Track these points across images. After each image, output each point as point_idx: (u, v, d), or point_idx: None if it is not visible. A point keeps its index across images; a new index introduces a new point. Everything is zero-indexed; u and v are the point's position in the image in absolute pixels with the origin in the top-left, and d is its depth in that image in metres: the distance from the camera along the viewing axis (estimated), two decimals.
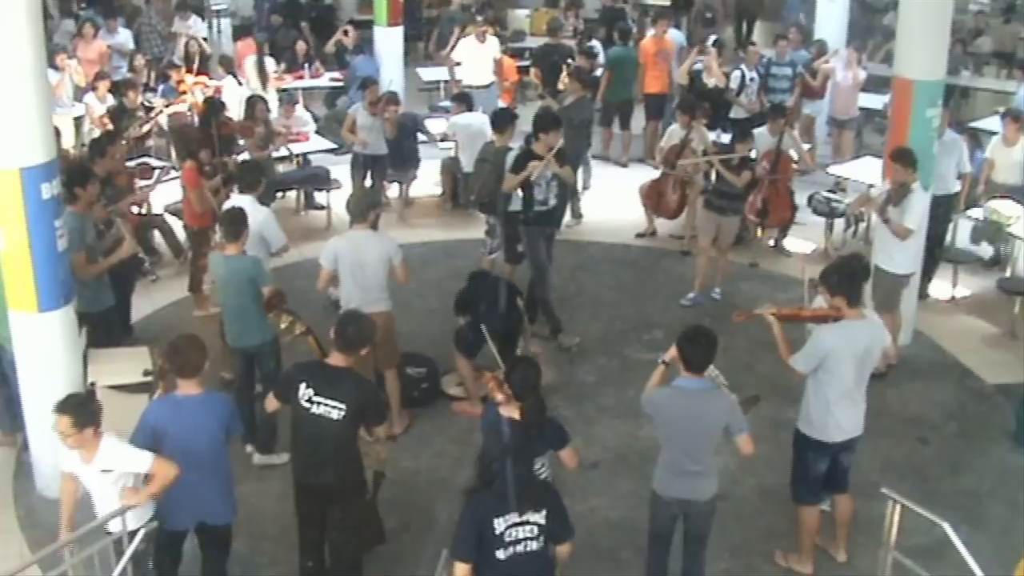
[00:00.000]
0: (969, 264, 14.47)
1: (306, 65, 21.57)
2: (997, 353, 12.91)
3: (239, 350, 10.42)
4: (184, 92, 17.75)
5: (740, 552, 9.36)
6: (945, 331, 13.33)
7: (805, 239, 15.85)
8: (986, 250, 14.79)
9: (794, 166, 15.13)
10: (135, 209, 13.62)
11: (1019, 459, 10.63)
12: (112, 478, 7.60)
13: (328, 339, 8.23)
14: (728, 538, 9.32)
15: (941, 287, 14.13)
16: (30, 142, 8.84)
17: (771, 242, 15.82)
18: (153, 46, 21.74)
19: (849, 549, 9.26)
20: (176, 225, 14.48)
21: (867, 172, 15.51)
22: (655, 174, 15.65)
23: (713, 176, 14.18)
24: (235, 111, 16.17)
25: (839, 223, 15.74)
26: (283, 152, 16.20)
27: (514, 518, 6.63)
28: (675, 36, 20.59)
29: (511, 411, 7.70)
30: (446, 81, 21.25)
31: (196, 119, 15.81)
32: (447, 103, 19.67)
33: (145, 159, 15.90)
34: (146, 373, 9.57)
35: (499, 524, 6.60)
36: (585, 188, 17.16)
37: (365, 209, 10.64)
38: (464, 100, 16.51)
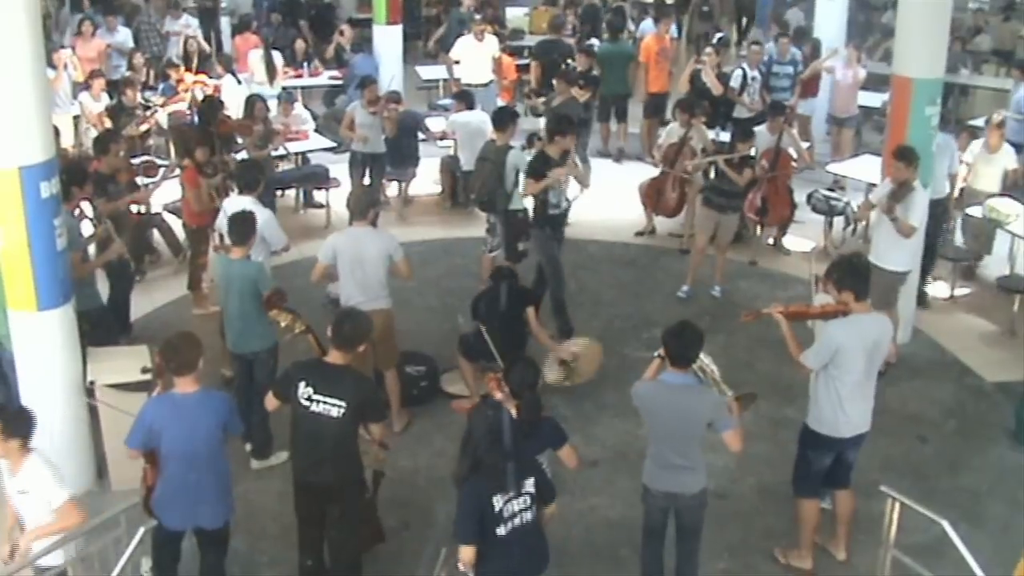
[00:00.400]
0: (962, 262, 14.50)
1: (305, 64, 21.60)
2: (996, 351, 12.91)
3: (238, 355, 10.40)
4: (184, 90, 17.75)
5: (739, 551, 9.36)
6: (944, 329, 13.33)
7: (804, 237, 15.86)
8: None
9: (793, 164, 15.14)
10: (134, 208, 13.61)
11: (1018, 457, 10.63)
12: (29, 499, 7.60)
13: (327, 337, 8.23)
14: (727, 537, 9.33)
15: (940, 285, 14.15)
16: (29, 141, 8.84)
17: (770, 240, 15.83)
18: (152, 45, 21.74)
19: (849, 547, 9.26)
20: (175, 224, 14.47)
21: (866, 170, 15.52)
22: (654, 173, 15.66)
23: (712, 174, 14.19)
24: (234, 110, 16.15)
25: (838, 221, 15.75)
26: (281, 151, 16.19)
27: (509, 492, 6.87)
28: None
29: (509, 409, 7.73)
30: (445, 80, 21.27)
31: (195, 118, 15.79)
32: (446, 101, 19.73)
33: (147, 157, 15.90)
34: (144, 371, 9.59)
35: (497, 502, 6.87)
36: (584, 187, 17.18)
37: (365, 207, 10.64)
38: (465, 98, 16.52)
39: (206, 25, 23.82)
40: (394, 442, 9.54)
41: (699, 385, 8.01)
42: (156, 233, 14.71)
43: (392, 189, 17.01)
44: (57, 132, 12.30)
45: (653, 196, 15.42)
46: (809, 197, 15.81)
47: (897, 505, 8.22)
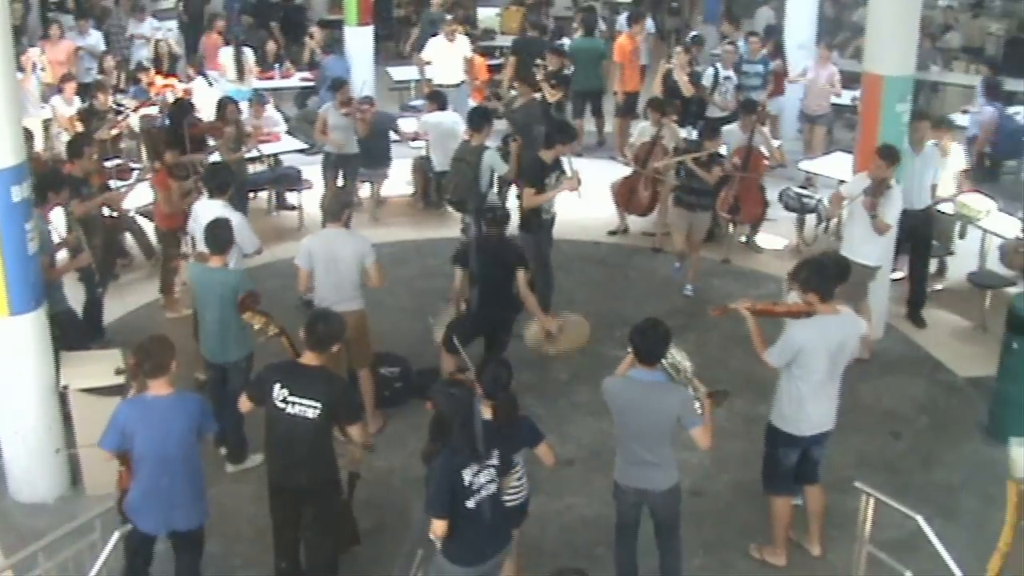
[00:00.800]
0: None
1: (276, 65, 21.55)
2: (968, 346, 12.98)
3: (215, 364, 10.33)
4: (155, 94, 17.70)
5: (715, 548, 9.38)
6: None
7: (777, 235, 15.90)
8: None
9: (765, 163, 15.17)
10: (105, 211, 13.55)
11: (991, 452, 10.64)
12: None
13: (301, 339, 8.22)
14: (702, 534, 9.35)
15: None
16: (0, 144, 8.80)
17: (743, 238, 15.86)
18: (123, 48, 21.67)
19: (824, 543, 9.30)
20: (148, 227, 14.41)
21: (837, 168, 15.56)
22: (626, 172, 15.67)
23: (683, 173, 14.22)
24: (206, 112, 16.10)
25: (810, 219, 15.79)
26: (255, 153, 16.16)
27: (477, 466, 7.09)
28: (646, 26, 20.82)
29: (484, 411, 7.73)
30: (417, 80, 21.25)
31: (166, 120, 15.75)
32: (418, 102, 19.71)
33: (120, 161, 15.84)
34: (118, 372, 9.56)
35: (467, 475, 7.11)
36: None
37: (338, 209, 10.63)
38: (437, 99, 16.50)
39: (195, 29, 23.77)
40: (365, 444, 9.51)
41: (668, 382, 8.04)
42: (128, 236, 14.65)
43: (364, 190, 16.98)
44: (29, 136, 12.25)
45: (625, 195, 15.44)
46: (781, 195, 15.85)
47: (872, 501, 8.26)
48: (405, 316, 13.09)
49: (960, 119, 17.69)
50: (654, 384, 7.89)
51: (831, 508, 9.25)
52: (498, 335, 11.11)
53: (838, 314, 8.65)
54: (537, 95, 16.60)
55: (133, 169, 14.96)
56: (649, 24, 21.73)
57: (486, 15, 26.64)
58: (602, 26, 24.28)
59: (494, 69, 21.22)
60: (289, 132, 17.87)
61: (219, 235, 9.95)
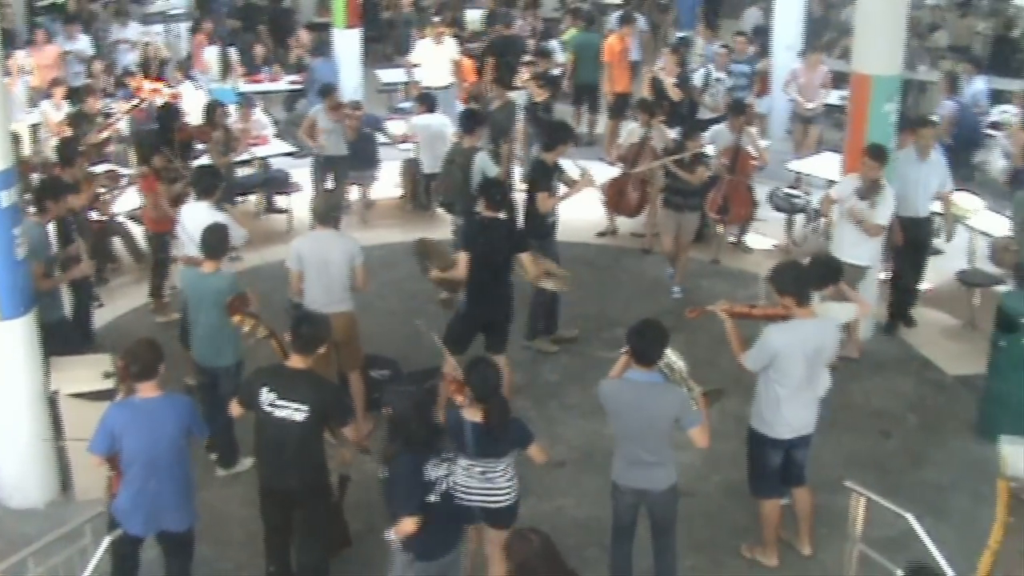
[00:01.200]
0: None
1: (264, 68, 21.52)
2: (957, 344, 13.00)
3: (206, 369, 10.30)
4: (143, 99, 17.67)
5: (706, 548, 9.39)
6: None
7: (766, 235, 15.91)
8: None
9: (753, 163, 15.18)
10: (94, 215, 13.53)
11: (981, 450, 10.65)
12: None
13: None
14: (694, 534, 9.35)
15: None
16: None
17: (732, 239, 15.87)
18: (109, 52, 21.61)
19: (814, 542, 9.31)
20: (137, 231, 14.39)
21: (826, 167, 15.57)
22: (615, 172, 15.68)
23: (669, 174, 14.20)
24: (194, 116, 16.07)
25: (800, 218, 15.80)
26: (246, 156, 16.16)
27: (435, 460, 7.26)
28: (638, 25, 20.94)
29: (473, 414, 7.74)
30: (405, 83, 21.23)
31: (155, 124, 15.72)
32: (407, 104, 19.70)
33: (110, 167, 15.79)
34: (106, 375, 9.54)
35: (429, 471, 7.26)
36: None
37: (329, 211, 10.64)
38: (426, 101, 16.48)
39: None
40: (361, 446, 9.51)
41: (665, 382, 8.04)
42: (117, 241, 14.62)
43: (353, 192, 16.96)
44: (16, 140, 12.22)
45: (614, 196, 15.40)
46: (770, 195, 15.86)
47: (862, 500, 8.28)
48: (394, 318, 13.08)
49: None
50: (652, 385, 7.90)
51: (822, 507, 9.26)
52: (496, 331, 11.05)
53: (815, 318, 8.66)
54: (512, 95, 16.62)
55: (122, 175, 14.88)
56: (641, 21, 21.76)
57: (473, 17, 26.60)
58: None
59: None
60: (277, 135, 17.85)
61: (216, 240, 9.93)
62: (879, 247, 12.24)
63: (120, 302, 13.68)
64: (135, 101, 17.29)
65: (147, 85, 17.97)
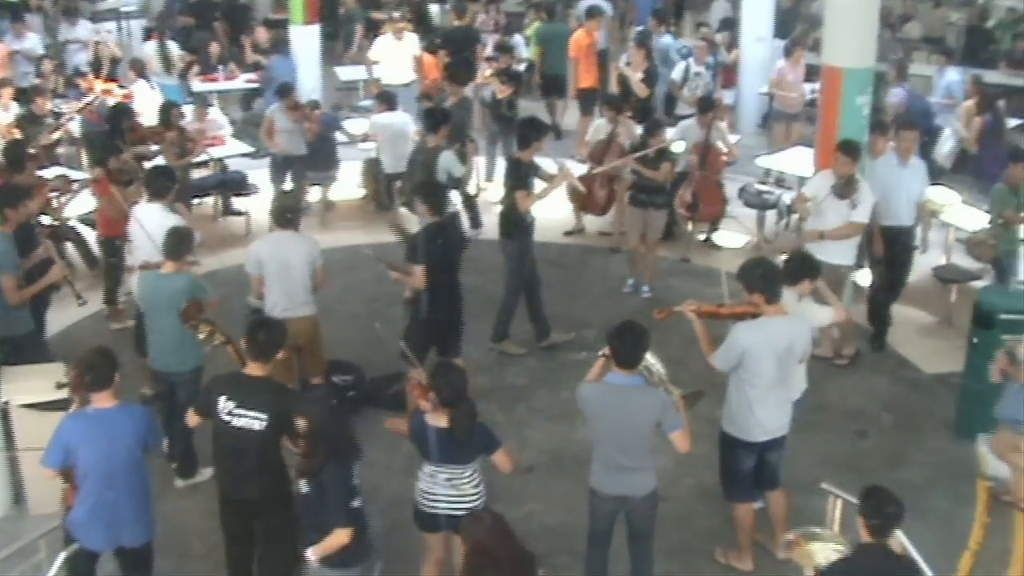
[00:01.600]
0: None
1: (220, 67, 21.43)
2: (934, 342, 13.04)
3: (167, 375, 10.22)
4: (94, 98, 17.57)
5: (680, 553, 9.40)
6: None
7: (737, 232, 15.94)
8: None
9: (723, 158, 15.20)
10: (45, 221, 13.42)
11: (959, 449, 10.68)
12: None
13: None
14: (667, 539, 9.34)
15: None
16: None
17: (702, 236, 15.89)
18: (58, 51, 21.48)
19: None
20: (89, 235, 14.29)
21: (798, 163, 15.62)
22: (583, 170, 15.67)
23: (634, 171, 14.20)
24: (149, 116, 15.98)
25: (771, 215, 15.84)
26: (203, 157, 16.09)
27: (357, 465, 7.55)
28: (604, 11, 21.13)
29: (438, 419, 7.72)
30: (365, 80, 21.20)
31: (107, 126, 15.64)
32: (367, 103, 19.67)
33: (61, 172, 15.68)
34: (59, 386, 9.47)
35: (354, 475, 7.53)
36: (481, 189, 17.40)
37: (287, 212, 10.62)
38: (387, 99, 16.45)
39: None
40: None
41: (646, 385, 8.04)
42: (69, 246, 14.52)
43: (313, 193, 16.92)
44: None
45: (581, 194, 15.39)
46: (741, 191, 15.89)
47: (839, 502, 8.29)
48: (357, 322, 13.04)
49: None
50: (633, 388, 7.90)
51: (798, 509, 9.26)
52: (452, 334, 11.10)
53: (785, 316, 8.66)
54: (466, 91, 16.62)
55: (74, 181, 14.74)
56: (607, 6, 21.80)
57: (434, 12, 26.57)
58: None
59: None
60: (234, 135, 17.79)
61: (177, 241, 9.94)
62: (856, 243, 12.20)
63: (73, 309, 13.53)
64: (86, 100, 17.20)
65: (99, 85, 17.91)
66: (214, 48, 21.92)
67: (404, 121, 16.00)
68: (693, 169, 14.73)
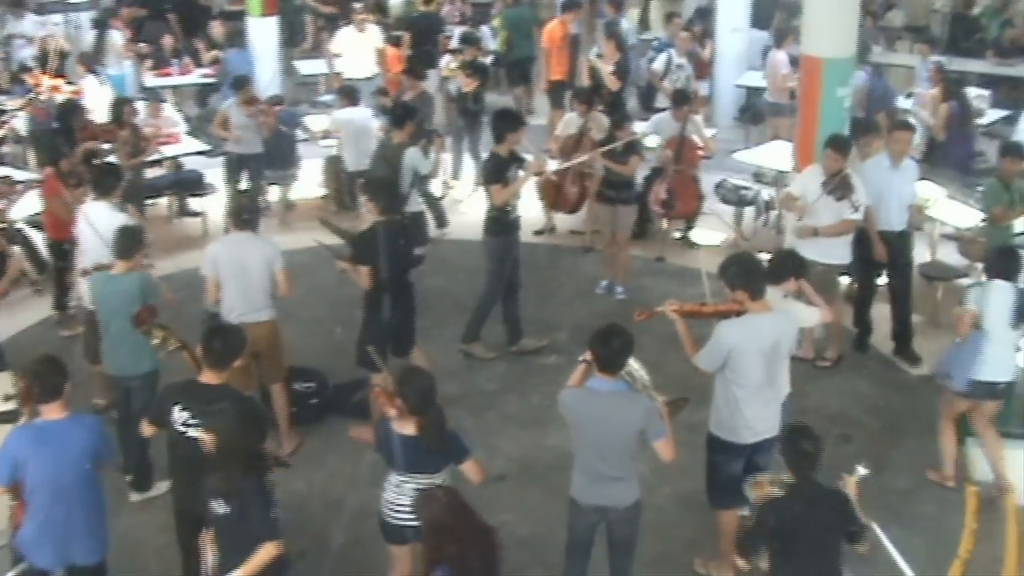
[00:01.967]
0: None
1: (174, 61, 21.32)
2: (920, 342, 12.97)
3: (122, 380, 10.19)
4: (41, 95, 17.47)
5: (658, 564, 9.38)
6: None
7: (714, 230, 15.93)
8: None
9: (699, 153, 15.19)
10: None
11: None
12: None
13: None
14: (646, 550, 9.28)
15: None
16: None
17: (677, 234, 15.88)
18: (5, 46, 21.37)
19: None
20: (37, 238, 14.20)
21: (776, 158, 15.63)
22: (555, 165, 15.65)
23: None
24: (100, 113, 15.89)
25: (749, 211, 15.84)
26: (157, 156, 16.01)
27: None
28: None
29: (405, 426, 7.68)
30: (326, 74, 21.13)
31: (55, 123, 15.55)
32: (328, 98, 19.62)
33: (4, 169, 15.59)
34: (7, 398, 9.41)
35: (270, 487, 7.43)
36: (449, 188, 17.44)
37: (243, 212, 10.58)
38: (348, 94, 16.37)
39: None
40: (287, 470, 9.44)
41: (631, 391, 8.02)
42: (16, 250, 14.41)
43: (273, 193, 16.87)
44: None
45: (551, 192, 15.32)
46: (717, 187, 15.90)
47: None
48: (319, 327, 13.01)
49: (903, 103, 17.83)
50: (617, 394, 7.87)
51: None
52: (404, 333, 11.09)
53: (771, 313, 8.67)
54: (425, 85, 16.58)
55: (18, 182, 14.64)
56: None
57: (396, 2, 26.52)
58: None
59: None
60: (190, 133, 17.71)
61: (128, 240, 9.91)
62: (851, 245, 12.13)
63: (21, 316, 13.52)
64: (30, 96, 17.09)
65: (46, 81, 17.79)
66: (167, 41, 21.78)
67: (367, 117, 15.96)
68: (668, 164, 14.72)
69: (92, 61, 18.70)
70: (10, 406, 9.31)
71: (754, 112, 20.11)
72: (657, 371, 10.67)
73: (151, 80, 20.36)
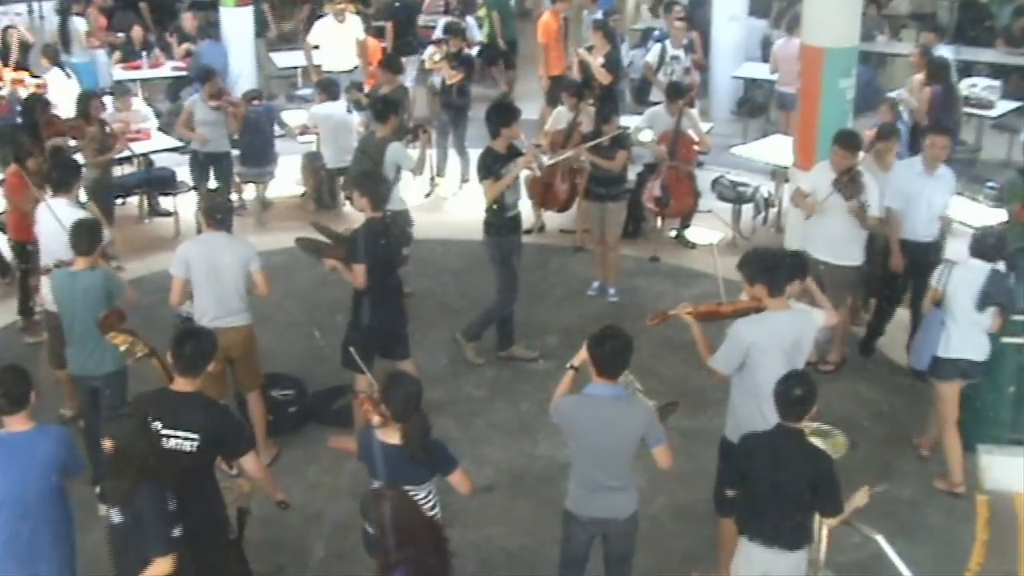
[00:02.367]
0: None
1: (144, 53, 21.26)
2: None
3: (86, 380, 10.16)
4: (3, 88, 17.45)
5: None
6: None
7: (710, 228, 15.92)
8: None
9: (695, 148, 15.18)
10: None
11: None
12: None
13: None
14: (640, 564, 9.22)
15: None
16: None
17: (672, 233, 15.87)
18: None
19: None
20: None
21: (775, 152, 15.62)
22: (546, 159, 15.62)
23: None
24: (65, 107, 15.84)
25: (747, 209, 15.84)
26: (126, 153, 15.95)
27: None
28: None
29: (390, 435, 7.64)
30: (304, 67, 21.10)
31: (18, 119, 15.51)
32: (306, 91, 19.60)
33: None
34: None
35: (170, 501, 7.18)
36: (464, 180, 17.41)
37: (216, 212, 10.54)
38: (327, 88, 16.35)
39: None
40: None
41: (630, 397, 7.99)
42: None
43: (249, 192, 16.84)
44: None
45: (540, 189, 15.26)
46: (714, 183, 15.89)
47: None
48: (298, 331, 12.98)
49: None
50: (617, 400, 7.82)
51: None
52: (398, 337, 11.03)
53: (789, 310, 8.63)
54: (401, 79, 16.55)
55: None
56: None
57: None
58: None
59: None
60: (161, 128, 17.63)
61: (85, 234, 9.85)
62: (864, 246, 12.05)
63: None
64: None
65: (9, 74, 17.75)
66: (137, 33, 21.72)
67: (346, 111, 15.93)
68: (662, 160, 14.71)
69: (57, 52, 18.65)
70: None
71: (753, 105, 20.14)
72: (652, 375, 10.75)
73: (120, 73, 20.32)
